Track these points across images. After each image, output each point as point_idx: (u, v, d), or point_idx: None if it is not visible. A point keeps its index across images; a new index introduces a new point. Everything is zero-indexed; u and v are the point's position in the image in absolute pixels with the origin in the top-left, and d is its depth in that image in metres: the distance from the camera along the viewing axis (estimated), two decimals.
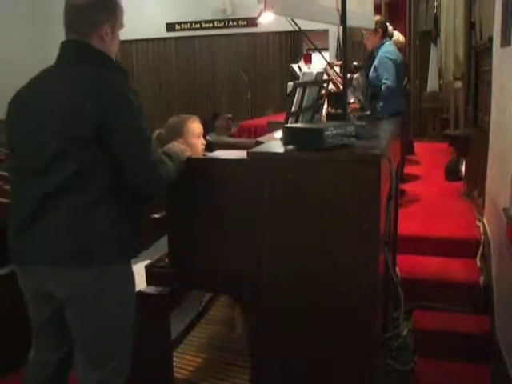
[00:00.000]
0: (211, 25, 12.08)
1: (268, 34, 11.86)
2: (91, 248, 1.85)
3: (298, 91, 2.37)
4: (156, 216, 4.25)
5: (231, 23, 11.98)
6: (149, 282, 2.32)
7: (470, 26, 4.51)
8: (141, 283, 2.43)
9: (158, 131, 2.84)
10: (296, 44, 12.02)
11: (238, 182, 1.99)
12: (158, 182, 1.91)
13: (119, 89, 1.85)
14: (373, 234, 1.91)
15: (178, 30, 12.33)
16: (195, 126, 2.81)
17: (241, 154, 2.06)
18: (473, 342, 3.25)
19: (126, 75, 2.03)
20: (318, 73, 2.65)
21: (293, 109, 2.33)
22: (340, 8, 2.23)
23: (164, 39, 12.50)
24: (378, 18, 4.68)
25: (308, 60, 13.87)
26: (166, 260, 2.25)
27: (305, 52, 12.53)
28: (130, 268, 2.02)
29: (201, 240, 2.11)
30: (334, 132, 1.96)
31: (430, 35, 8.64)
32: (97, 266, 1.86)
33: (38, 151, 1.84)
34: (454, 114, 4.80)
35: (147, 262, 2.65)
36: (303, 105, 2.46)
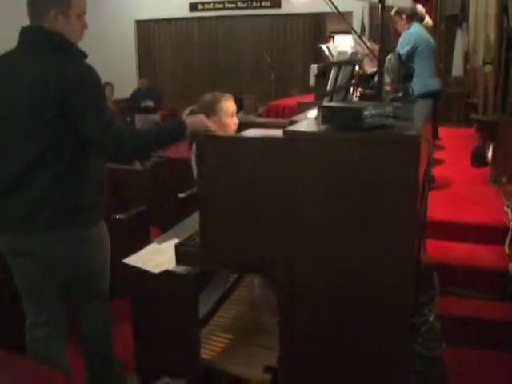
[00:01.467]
0: (234, 5, 11.97)
1: (291, 15, 11.74)
2: (59, 217, 2.19)
3: (334, 71, 2.31)
4: (182, 195, 4.24)
5: (254, 4, 11.86)
6: (178, 261, 2.27)
7: (503, 9, 4.39)
8: (168, 261, 2.40)
9: (190, 108, 2.80)
10: (319, 26, 11.87)
11: (274, 161, 1.93)
12: (114, 140, 2.14)
13: (73, 68, 2.10)
14: (411, 216, 1.85)
15: (200, 10, 12.23)
16: (229, 105, 2.76)
17: (276, 133, 2.00)
18: (501, 329, 3.19)
19: (81, 55, 2.26)
20: (352, 53, 2.58)
21: (328, 88, 2.27)
22: None
23: (187, 19, 12.42)
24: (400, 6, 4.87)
25: (330, 42, 13.74)
26: (197, 239, 2.20)
27: (328, 35, 12.38)
28: (100, 225, 2.39)
29: (234, 220, 2.06)
30: (373, 112, 1.89)
31: (456, 19, 8.48)
32: (72, 228, 2.23)
33: (8, 129, 2.15)
34: (483, 99, 4.70)
35: (174, 240, 2.62)
36: (337, 84, 2.40)
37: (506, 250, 3.68)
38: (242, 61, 12.33)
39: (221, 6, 12.04)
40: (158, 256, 2.47)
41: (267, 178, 1.96)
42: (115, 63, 11.02)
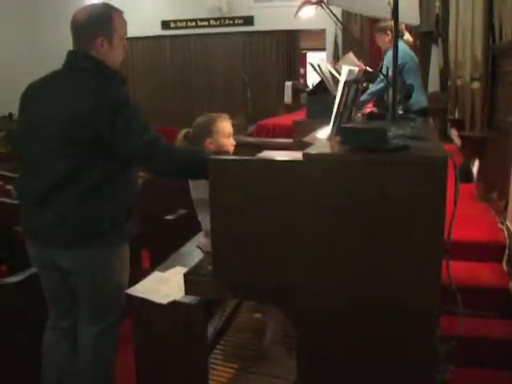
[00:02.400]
0: (207, 23, 11.95)
1: (264, 33, 11.76)
2: (86, 233, 2.22)
3: (343, 90, 2.25)
4: (170, 217, 4.12)
5: (227, 22, 11.84)
6: (187, 291, 2.17)
7: (489, 26, 4.42)
8: (175, 291, 2.29)
9: (185, 130, 2.70)
10: (292, 43, 11.90)
11: (293, 185, 1.84)
12: (148, 147, 2.15)
13: (113, 95, 2.17)
14: (439, 239, 1.80)
15: (173, 28, 12.18)
16: (225, 125, 2.67)
17: (293, 155, 1.92)
18: (503, 348, 3.14)
19: (123, 82, 2.38)
20: (359, 71, 2.52)
21: (341, 108, 2.21)
22: (391, 2, 2.11)
23: (159, 37, 12.33)
24: (388, 22, 4.74)
25: (303, 59, 13.81)
26: (209, 267, 2.09)
27: (299, 51, 12.45)
28: (121, 248, 2.37)
29: (249, 247, 1.96)
30: (396, 133, 1.83)
31: (431, 36, 8.57)
32: (92, 248, 2.25)
33: (43, 145, 2.20)
34: (470, 115, 4.70)
35: (177, 268, 2.51)
36: (347, 104, 2.34)
37: (505, 267, 3.65)
38: (215, 78, 12.28)
39: (193, 24, 12.00)
40: (162, 285, 2.37)
41: (286, 202, 1.87)
42: None
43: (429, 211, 1.77)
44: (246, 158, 1.90)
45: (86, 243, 2.24)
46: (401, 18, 2.26)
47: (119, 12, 2.36)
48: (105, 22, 2.29)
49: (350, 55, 4.77)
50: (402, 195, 1.77)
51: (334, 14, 2.24)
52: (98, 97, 2.14)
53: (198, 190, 2.52)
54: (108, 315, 2.41)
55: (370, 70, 4.69)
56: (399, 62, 4.73)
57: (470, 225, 4.16)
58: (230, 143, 2.70)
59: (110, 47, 2.30)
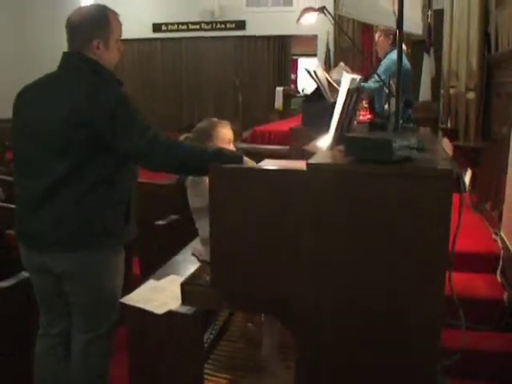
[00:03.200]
0: (198, 26, 11.91)
1: (256, 37, 11.74)
2: (82, 235, 2.18)
3: (348, 98, 2.22)
4: (160, 223, 4.06)
5: (219, 25, 11.82)
6: (184, 301, 2.13)
7: (485, 36, 4.42)
8: (171, 300, 2.25)
9: (185, 135, 2.67)
10: (283, 48, 11.89)
11: (295, 195, 1.81)
12: (148, 146, 2.12)
13: (111, 97, 2.13)
14: (443, 251, 1.79)
15: (164, 31, 12.13)
16: (226, 132, 2.64)
17: (295, 165, 1.89)
18: (499, 361, 3.12)
19: (120, 83, 2.36)
20: (359, 79, 2.50)
21: (343, 116, 2.18)
22: (396, 11, 2.09)
23: (150, 40, 12.28)
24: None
25: (294, 65, 13.82)
26: (206, 277, 2.06)
27: (291, 57, 12.44)
28: (117, 251, 2.33)
29: (248, 258, 1.92)
30: (401, 144, 1.80)
31: (423, 45, 8.58)
32: (88, 250, 2.21)
33: (40, 147, 2.17)
34: (464, 125, 4.70)
35: (173, 276, 2.47)
36: (348, 112, 2.31)
37: (499, 278, 3.64)
38: (205, 82, 12.24)
39: (185, 27, 11.97)
40: (158, 294, 2.32)
41: (287, 212, 1.84)
42: None
43: (434, 223, 1.75)
44: (248, 166, 1.87)
45: (81, 246, 2.19)
46: (405, 28, 2.25)
47: (115, 14, 2.35)
48: (102, 23, 2.28)
49: (342, 65, 4.75)
50: (407, 207, 1.75)
51: (335, 20, 2.21)
52: (93, 98, 2.11)
53: (198, 198, 2.48)
54: (102, 321, 2.34)
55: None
56: (394, 70, 4.73)
57: (463, 235, 4.13)
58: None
59: (105, 49, 2.29)
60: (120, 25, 2.36)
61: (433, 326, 1.85)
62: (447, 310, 3.40)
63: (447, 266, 1.90)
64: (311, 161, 1.81)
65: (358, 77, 2.42)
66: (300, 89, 11.94)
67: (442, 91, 6.33)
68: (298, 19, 2.95)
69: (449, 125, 6.11)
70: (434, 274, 1.80)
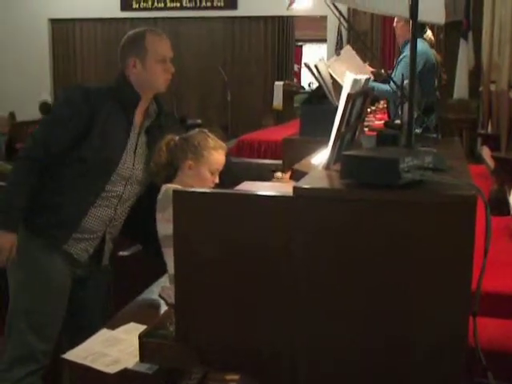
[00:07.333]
0: (178, 4, 12.00)
1: (250, 18, 11.81)
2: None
3: (348, 105, 2.25)
4: (124, 253, 4.10)
5: (204, 3, 11.90)
6: (143, 358, 2.14)
7: None
8: (127, 356, 2.28)
9: (169, 137, 2.79)
10: (284, 32, 11.95)
11: (279, 227, 1.84)
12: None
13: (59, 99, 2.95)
14: (464, 292, 1.81)
15: (135, 10, 12.22)
16: (219, 159, 2.78)
17: (281, 188, 1.92)
18: None
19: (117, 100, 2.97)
20: (366, 79, 2.53)
21: (342, 128, 2.20)
22: None
23: (117, 20, 12.37)
24: None
25: (298, 53, 13.90)
26: (170, 328, 2.08)
27: (295, 43, 12.51)
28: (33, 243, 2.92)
29: (224, 302, 1.95)
30: (411, 164, 1.83)
31: (459, 28, 8.60)
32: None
33: None
34: (507, 132, 4.74)
35: (131, 324, 2.49)
36: (351, 121, 2.34)
37: None
38: (186, 76, 12.28)
39: (161, 4, 12.08)
40: (111, 348, 2.34)
41: (270, 249, 1.87)
42: (26, 67, 11.07)
43: (452, 261, 1.78)
44: (220, 191, 1.90)
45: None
46: (420, 17, 2.28)
47: (156, 33, 2.96)
48: (137, 42, 2.89)
49: (348, 48, 4.76)
50: (417, 242, 1.77)
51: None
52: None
53: (165, 224, 2.53)
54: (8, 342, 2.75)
55: (381, 71, 4.73)
56: (420, 67, 4.77)
57: (503, 271, 4.16)
58: (211, 180, 2.77)
59: (143, 69, 2.89)
60: (163, 45, 2.92)
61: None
62: (479, 366, 3.43)
63: (469, 310, 1.93)
64: (299, 184, 1.84)
65: (363, 77, 2.45)
66: (305, 83, 12.01)
67: (481, 87, 6.37)
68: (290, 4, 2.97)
69: (489, 130, 6.15)
70: (455, 317, 1.81)
